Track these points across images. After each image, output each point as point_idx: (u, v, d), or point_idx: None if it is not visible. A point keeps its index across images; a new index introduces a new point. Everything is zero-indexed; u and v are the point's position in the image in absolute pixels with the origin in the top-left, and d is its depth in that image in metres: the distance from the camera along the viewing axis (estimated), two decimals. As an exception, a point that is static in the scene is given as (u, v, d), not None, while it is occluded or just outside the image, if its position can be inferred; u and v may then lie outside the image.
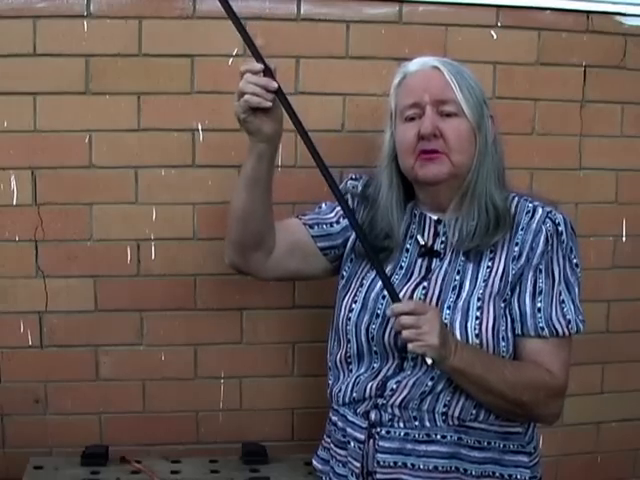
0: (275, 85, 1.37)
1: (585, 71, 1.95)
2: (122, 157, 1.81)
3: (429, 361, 1.37)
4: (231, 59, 1.81)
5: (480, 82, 1.53)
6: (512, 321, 1.47)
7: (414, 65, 1.53)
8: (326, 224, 1.60)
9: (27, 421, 1.85)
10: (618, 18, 1.94)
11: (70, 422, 1.86)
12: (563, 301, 1.47)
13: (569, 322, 1.47)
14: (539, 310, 1.46)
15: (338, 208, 1.60)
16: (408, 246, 1.55)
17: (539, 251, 1.46)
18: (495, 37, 1.90)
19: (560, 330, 1.46)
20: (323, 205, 1.64)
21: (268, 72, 1.38)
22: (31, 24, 1.74)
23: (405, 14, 1.87)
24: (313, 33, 1.83)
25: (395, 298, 1.40)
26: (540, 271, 1.46)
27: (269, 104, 1.37)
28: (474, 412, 1.46)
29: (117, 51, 1.77)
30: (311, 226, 1.60)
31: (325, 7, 1.84)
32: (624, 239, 2.03)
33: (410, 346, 1.36)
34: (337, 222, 1.61)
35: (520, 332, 1.47)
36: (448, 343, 1.38)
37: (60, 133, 1.78)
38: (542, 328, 1.46)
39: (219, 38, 1.80)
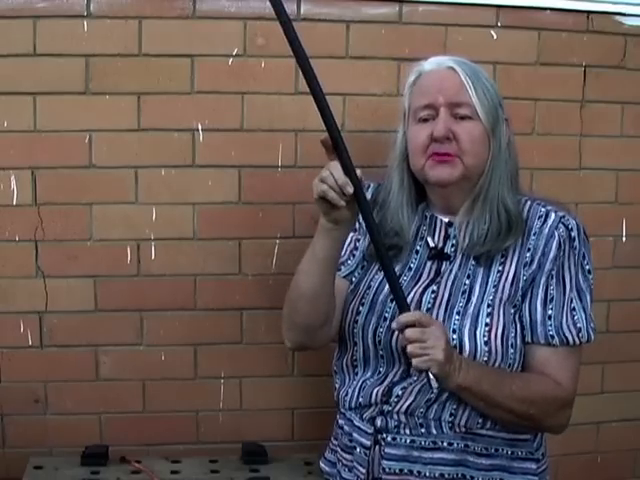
0: (350, 191, 1.31)
1: (585, 71, 1.95)
2: (122, 157, 1.81)
3: (434, 384, 1.33)
4: (231, 59, 1.81)
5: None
6: (522, 328, 1.45)
7: (429, 64, 1.51)
8: (350, 258, 1.57)
9: (27, 421, 1.85)
10: (618, 18, 1.94)
11: (70, 422, 1.86)
12: (574, 309, 1.45)
13: (580, 330, 1.45)
14: (550, 318, 1.44)
15: (351, 234, 1.56)
16: (418, 248, 1.53)
17: (551, 256, 1.44)
18: (495, 37, 1.90)
19: (570, 339, 1.44)
20: None
21: (353, 172, 1.33)
22: (31, 24, 1.74)
23: (405, 14, 1.87)
24: (313, 33, 1.83)
25: (404, 307, 1.36)
26: (552, 277, 1.44)
27: (343, 204, 1.32)
28: (481, 421, 1.44)
29: (117, 51, 1.77)
30: (338, 268, 1.54)
31: (325, 7, 1.84)
32: (624, 239, 2.03)
33: (414, 362, 1.33)
34: (355, 248, 1.58)
35: (530, 340, 1.45)
36: (452, 360, 1.35)
37: (60, 133, 1.78)
38: (552, 336, 1.44)
39: (219, 38, 1.80)
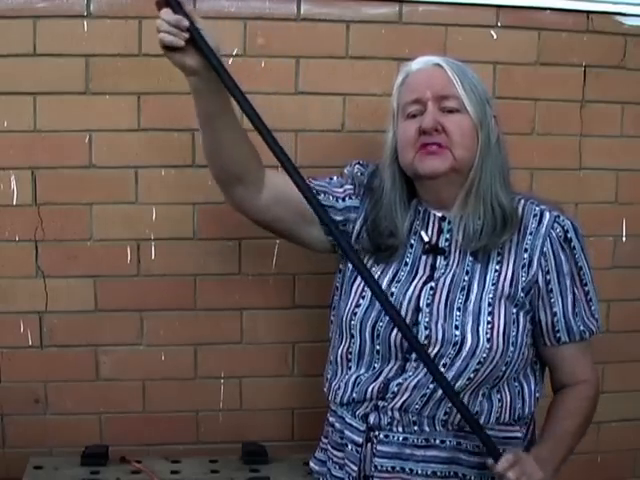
0: (186, 23, 1.33)
1: (585, 71, 1.95)
2: (122, 157, 1.81)
3: None
4: (231, 59, 1.81)
5: (483, 82, 1.53)
6: (556, 331, 1.49)
7: (417, 64, 1.52)
8: (333, 196, 1.56)
9: (27, 421, 1.85)
10: (618, 18, 1.94)
11: (70, 422, 1.86)
12: (590, 300, 1.51)
13: (597, 321, 1.52)
14: (576, 315, 1.49)
15: (347, 186, 1.58)
16: (412, 242, 1.53)
17: (563, 258, 1.46)
18: (495, 37, 1.90)
19: (594, 329, 1.52)
20: (334, 177, 1.61)
21: (180, 9, 1.34)
22: (31, 24, 1.74)
23: (405, 14, 1.87)
24: (313, 33, 1.83)
25: (493, 452, 1.39)
26: (571, 278, 1.48)
27: (182, 43, 1.34)
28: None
29: (117, 51, 1.77)
30: (318, 192, 1.54)
31: (325, 7, 1.84)
32: (624, 239, 2.03)
33: None
34: (343, 199, 1.57)
35: (567, 339, 1.49)
36: (539, 463, 1.39)
37: (60, 133, 1.78)
38: (584, 331, 1.50)
39: (219, 38, 1.80)
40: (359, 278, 1.53)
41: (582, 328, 1.49)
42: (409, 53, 1.79)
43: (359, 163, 1.62)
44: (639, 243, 2.04)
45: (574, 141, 1.98)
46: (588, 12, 1.92)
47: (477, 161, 1.47)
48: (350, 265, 1.56)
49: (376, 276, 1.51)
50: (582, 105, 1.97)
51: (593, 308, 1.51)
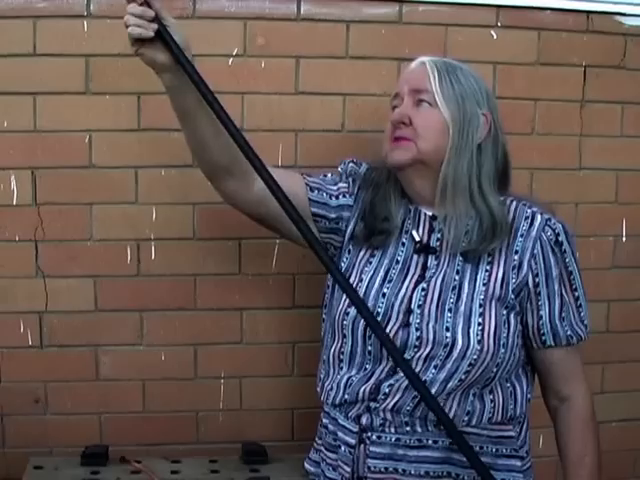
0: (151, 13, 1.34)
1: (585, 71, 1.95)
2: (122, 157, 1.81)
3: None
4: (231, 59, 1.81)
5: (482, 82, 1.53)
6: (540, 334, 1.49)
7: (411, 64, 1.55)
8: (326, 193, 1.57)
9: (27, 421, 1.85)
10: (618, 18, 1.94)
11: (70, 422, 1.86)
12: (580, 305, 1.51)
13: (586, 327, 1.52)
14: (564, 319, 1.49)
15: (341, 184, 1.60)
16: (404, 240, 1.54)
17: (553, 261, 1.47)
18: (495, 37, 1.90)
19: (583, 335, 1.51)
20: (329, 175, 1.62)
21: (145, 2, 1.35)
22: (31, 24, 1.74)
23: (405, 14, 1.87)
24: (313, 33, 1.83)
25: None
26: (559, 281, 1.48)
27: (150, 34, 1.34)
28: (466, 418, 1.45)
29: (117, 51, 1.77)
30: (312, 189, 1.57)
31: (325, 7, 1.84)
32: (624, 239, 2.03)
33: None
34: (336, 197, 1.58)
35: (552, 343, 1.49)
36: None
37: (60, 133, 1.78)
38: (571, 336, 1.49)
39: (219, 38, 1.80)
40: (352, 277, 1.53)
41: (569, 333, 1.49)
42: (409, 53, 1.79)
43: (352, 161, 1.63)
44: (639, 243, 2.04)
45: (574, 141, 1.98)
46: (588, 12, 1.92)
47: (447, 157, 1.47)
48: (342, 264, 1.57)
49: (368, 275, 1.52)
50: (582, 105, 1.97)
51: (582, 314, 1.50)
